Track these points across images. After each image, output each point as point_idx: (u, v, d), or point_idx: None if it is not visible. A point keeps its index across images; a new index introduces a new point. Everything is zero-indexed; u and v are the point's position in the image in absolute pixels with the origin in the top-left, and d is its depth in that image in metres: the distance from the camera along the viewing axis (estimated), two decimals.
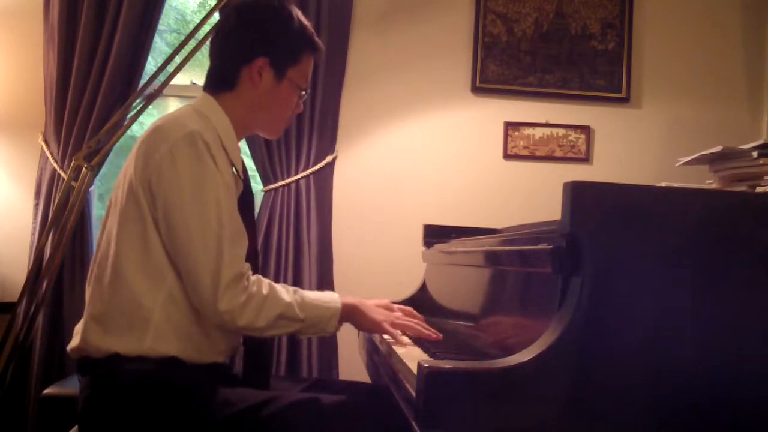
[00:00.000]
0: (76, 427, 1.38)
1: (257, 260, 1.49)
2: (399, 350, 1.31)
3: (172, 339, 1.27)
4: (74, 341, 1.32)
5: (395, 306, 1.50)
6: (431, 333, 1.40)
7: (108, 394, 1.27)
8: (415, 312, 1.51)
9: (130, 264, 1.27)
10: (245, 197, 1.45)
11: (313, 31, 1.47)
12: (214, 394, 1.27)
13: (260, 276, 1.32)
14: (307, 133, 2.56)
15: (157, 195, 1.25)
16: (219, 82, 1.42)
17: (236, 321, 1.25)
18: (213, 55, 1.45)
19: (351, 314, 1.41)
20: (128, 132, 2.24)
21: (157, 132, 1.29)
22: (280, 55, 1.41)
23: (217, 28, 1.49)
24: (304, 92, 1.48)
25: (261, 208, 2.58)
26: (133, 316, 1.26)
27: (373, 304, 1.45)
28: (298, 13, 1.45)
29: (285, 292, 1.32)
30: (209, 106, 1.39)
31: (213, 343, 1.32)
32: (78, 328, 1.34)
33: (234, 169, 1.39)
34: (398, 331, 1.42)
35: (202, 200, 1.25)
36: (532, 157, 2.69)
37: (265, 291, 1.29)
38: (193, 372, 1.29)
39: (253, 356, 1.45)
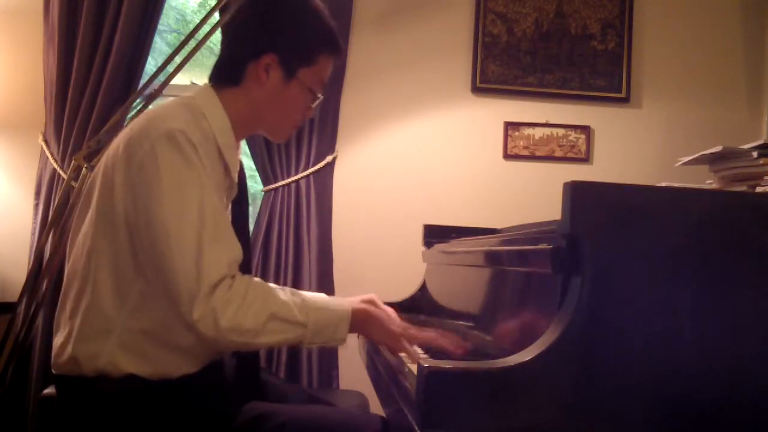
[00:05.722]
0: None
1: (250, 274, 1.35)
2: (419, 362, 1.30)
3: (134, 353, 1.17)
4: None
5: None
6: (458, 345, 1.24)
7: (70, 416, 1.22)
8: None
9: (99, 271, 1.18)
10: (240, 204, 1.35)
11: (335, 31, 1.35)
12: (189, 412, 1.19)
13: (251, 276, 1.19)
14: (307, 133, 2.56)
15: (138, 195, 1.15)
16: (224, 76, 1.32)
17: (219, 322, 1.08)
18: (222, 45, 1.35)
19: (363, 322, 1.24)
20: None
21: (139, 130, 1.19)
22: (291, 52, 1.29)
23: (230, 17, 1.37)
24: (318, 97, 1.35)
25: (261, 208, 2.59)
26: (97, 328, 1.17)
27: (383, 312, 1.29)
28: (321, 9, 1.33)
29: (282, 291, 1.19)
30: (208, 101, 1.29)
31: (186, 355, 1.21)
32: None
33: (229, 172, 1.29)
34: (416, 347, 1.26)
35: (184, 199, 1.13)
36: (532, 157, 2.69)
37: (254, 288, 1.14)
38: (157, 391, 1.18)
39: (241, 358, 1.36)
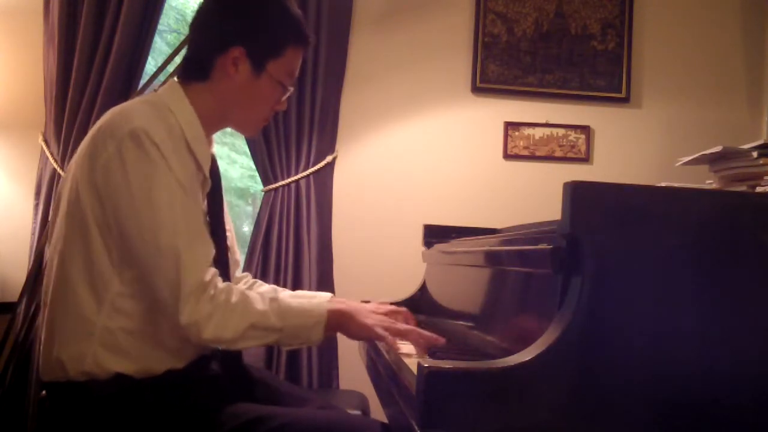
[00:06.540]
0: None
1: (227, 267, 1.36)
2: (399, 350, 1.31)
3: (118, 353, 1.17)
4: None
5: (390, 308, 1.40)
6: (431, 337, 1.26)
7: (58, 419, 1.21)
8: (411, 315, 1.45)
9: (73, 272, 1.17)
10: (214, 196, 1.33)
11: (302, 21, 1.34)
12: (182, 406, 1.19)
13: (231, 284, 1.21)
14: (307, 133, 2.56)
15: (106, 199, 1.15)
16: (191, 71, 1.30)
17: (201, 334, 1.14)
18: (189, 40, 1.34)
19: (339, 322, 1.27)
20: None
21: (103, 130, 1.18)
22: (260, 45, 1.28)
23: (197, 11, 1.34)
24: (288, 89, 1.34)
25: (261, 208, 2.59)
26: (77, 330, 1.17)
27: (369, 307, 1.34)
28: (288, 0, 1.33)
29: (260, 300, 1.21)
30: (174, 96, 1.27)
31: (170, 351, 1.22)
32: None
33: (201, 166, 1.28)
34: (393, 336, 1.27)
35: (154, 204, 1.13)
36: (532, 157, 2.69)
37: (234, 299, 1.17)
38: (147, 387, 1.19)
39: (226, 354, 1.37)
